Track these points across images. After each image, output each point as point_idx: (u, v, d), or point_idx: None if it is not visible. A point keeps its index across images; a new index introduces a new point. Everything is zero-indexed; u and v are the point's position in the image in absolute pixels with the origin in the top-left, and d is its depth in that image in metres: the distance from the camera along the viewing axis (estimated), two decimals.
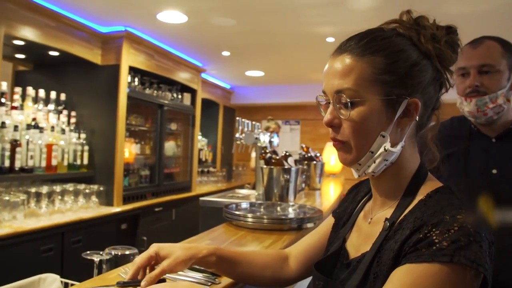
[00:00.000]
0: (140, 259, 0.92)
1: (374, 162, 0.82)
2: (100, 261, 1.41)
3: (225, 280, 1.12)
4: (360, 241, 0.89)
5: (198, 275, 1.13)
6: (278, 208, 2.23)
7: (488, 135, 1.51)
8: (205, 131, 6.56)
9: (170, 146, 5.11)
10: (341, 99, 0.81)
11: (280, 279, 1.10)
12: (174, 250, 0.93)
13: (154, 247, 0.94)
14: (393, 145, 0.82)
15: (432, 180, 0.85)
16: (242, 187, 5.87)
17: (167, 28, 3.82)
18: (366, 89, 0.79)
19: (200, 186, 5.86)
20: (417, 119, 0.82)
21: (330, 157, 5.69)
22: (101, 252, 1.41)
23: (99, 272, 1.39)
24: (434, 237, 0.68)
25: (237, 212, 1.91)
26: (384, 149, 0.81)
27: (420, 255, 0.68)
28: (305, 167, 3.74)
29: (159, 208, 4.38)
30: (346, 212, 1.05)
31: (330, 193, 3.87)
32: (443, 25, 0.86)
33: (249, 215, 1.86)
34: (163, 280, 0.90)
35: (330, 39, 4.01)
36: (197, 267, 1.17)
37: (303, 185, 3.74)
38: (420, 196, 0.80)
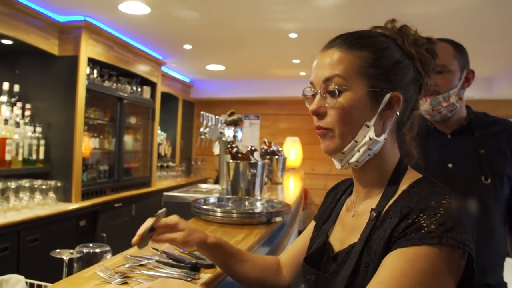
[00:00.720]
0: (161, 222, 1.01)
1: (359, 152, 0.86)
2: (70, 259, 1.36)
3: (205, 276, 1.12)
4: (345, 234, 0.92)
5: (177, 271, 1.12)
6: (246, 203, 2.24)
7: (444, 132, 1.59)
8: (164, 125, 6.46)
9: (129, 140, 4.99)
10: (328, 87, 0.84)
11: (276, 284, 1.13)
12: (191, 228, 1.02)
13: (175, 218, 1.03)
14: (377, 136, 0.86)
15: (412, 172, 0.90)
16: (202, 181, 5.87)
17: (128, 19, 3.72)
18: (353, 79, 0.83)
19: (160, 181, 5.78)
20: (398, 114, 0.87)
21: (290, 152, 5.78)
22: (71, 250, 1.36)
23: (70, 272, 1.35)
24: (422, 222, 0.72)
25: (206, 207, 1.90)
26: (369, 138, 0.84)
27: (410, 239, 0.72)
28: (267, 161, 3.78)
29: (119, 204, 4.28)
30: (327, 211, 1.08)
31: (292, 187, 3.93)
32: (424, 36, 0.92)
33: (218, 209, 1.86)
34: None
35: (293, 35, 4.06)
36: (174, 262, 1.17)
37: (266, 179, 3.77)
38: (403, 186, 0.85)
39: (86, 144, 3.99)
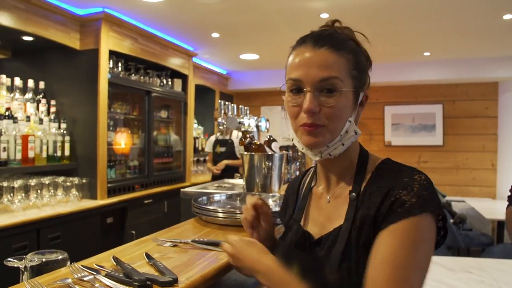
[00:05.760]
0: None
1: (343, 145, 0.92)
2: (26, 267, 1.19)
3: None
4: (324, 218, 0.97)
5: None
6: None
7: None
8: (201, 118, 6.33)
9: (161, 135, 4.89)
10: (324, 87, 0.88)
11: None
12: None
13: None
14: None
15: (373, 155, 0.98)
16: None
17: (147, 8, 3.58)
18: (345, 80, 0.89)
19: (196, 176, 5.67)
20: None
21: None
22: (24, 256, 1.18)
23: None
24: (404, 197, 0.81)
25: (205, 206, 1.69)
26: (355, 132, 0.92)
27: (397, 214, 0.80)
28: (299, 153, 3.53)
29: (149, 200, 4.19)
30: (290, 207, 1.11)
31: None
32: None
33: (220, 209, 1.64)
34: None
35: (324, 15, 3.74)
36: (124, 278, 0.97)
37: (297, 173, 3.52)
38: (370, 168, 0.93)
39: (114, 140, 3.93)
